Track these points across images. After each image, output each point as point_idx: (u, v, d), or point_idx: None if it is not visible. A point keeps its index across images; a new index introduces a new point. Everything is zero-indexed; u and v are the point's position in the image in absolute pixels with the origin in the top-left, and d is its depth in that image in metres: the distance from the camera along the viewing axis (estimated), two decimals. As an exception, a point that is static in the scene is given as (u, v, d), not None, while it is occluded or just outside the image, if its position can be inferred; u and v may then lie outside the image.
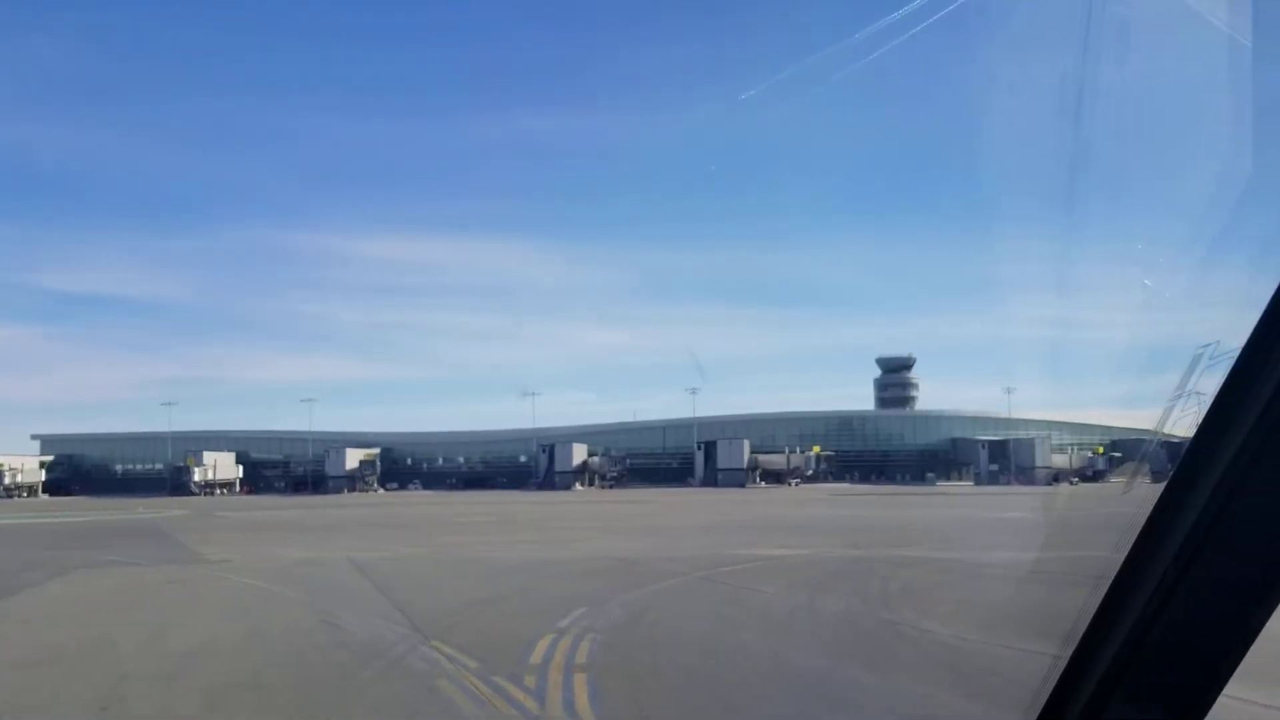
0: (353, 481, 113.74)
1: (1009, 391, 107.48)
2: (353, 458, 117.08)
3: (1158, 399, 2.30)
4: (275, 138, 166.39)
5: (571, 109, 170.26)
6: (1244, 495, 1.94)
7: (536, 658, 11.74)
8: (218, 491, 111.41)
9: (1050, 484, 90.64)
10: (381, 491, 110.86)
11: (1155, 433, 2.54)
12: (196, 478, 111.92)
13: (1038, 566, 17.24)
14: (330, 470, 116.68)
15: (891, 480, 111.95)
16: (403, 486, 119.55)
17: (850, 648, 12.79)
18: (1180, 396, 2.29)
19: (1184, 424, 2.21)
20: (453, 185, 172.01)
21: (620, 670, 11.25)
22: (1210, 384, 2.02)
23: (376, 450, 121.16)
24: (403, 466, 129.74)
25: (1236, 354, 1.94)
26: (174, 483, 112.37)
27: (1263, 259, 2.10)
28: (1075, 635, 2.36)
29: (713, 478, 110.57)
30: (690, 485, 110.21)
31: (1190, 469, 2.05)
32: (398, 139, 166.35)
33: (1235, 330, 1.95)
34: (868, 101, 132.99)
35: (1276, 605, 1.99)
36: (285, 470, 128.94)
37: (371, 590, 19.11)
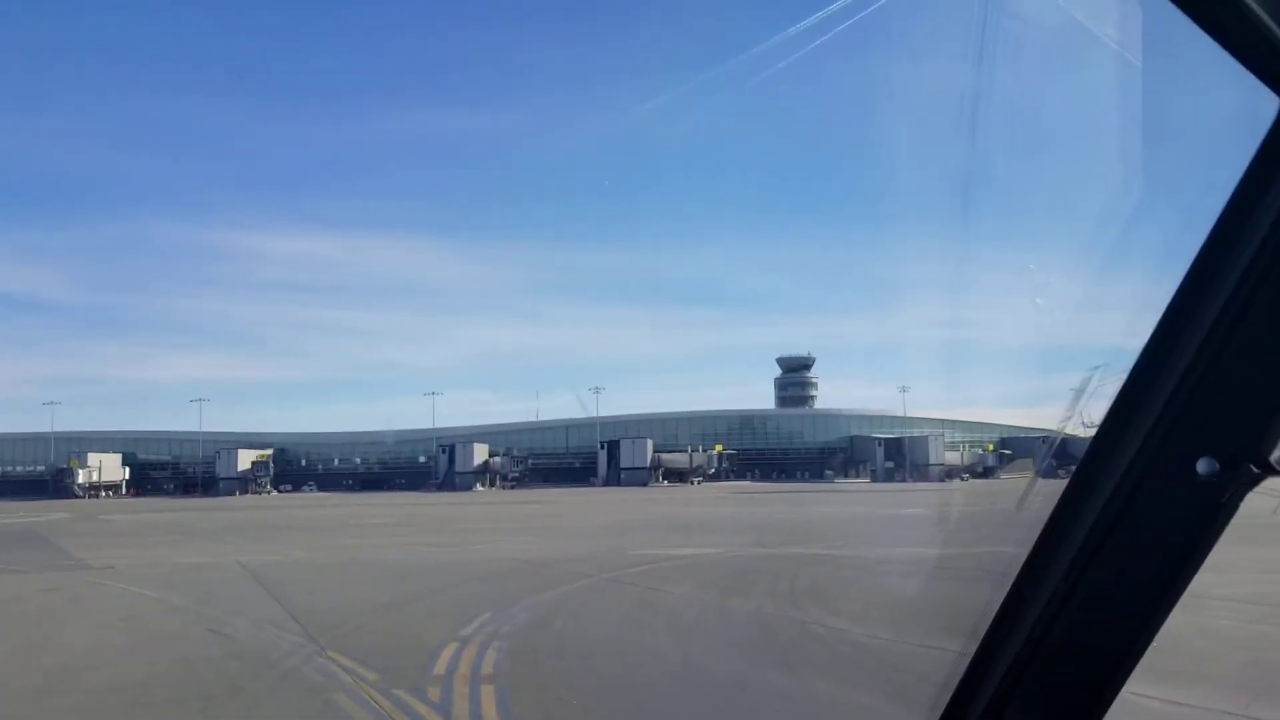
0: (245, 483, 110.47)
1: (904, 390, 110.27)
2: (245, 459, 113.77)
3: (1051, 399, 2.38)
4: (166, 132, 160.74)
5: (474, 110, 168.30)
6: (1143, 494, 1.96)
7: (440, 668, 11.25)
8: (103, 494, 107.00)
9: (943, 480, 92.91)
10: (275, 493, 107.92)
11: (1053, 431, 2.59)
12: (80, 480, 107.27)
13: (941, 563, 17.37)
14: (222, 472, 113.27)
15: (792, 478, 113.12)
16: (297, 488, 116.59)
17: (763, 649, 12.60)
18: (1080, 397, 2.30)
19: (1074, 424, 2.29)
20: (352, 185, 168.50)
21: (529, 680, 10.86)
22: (1111, 387, 2.03)
23: (270, 451, 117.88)
24: (297, 468, 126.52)
25: (1135, 357, 1.96)
26: (56, 485, 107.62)
27: (1157, 268, 2.12)
28: (979, 633, 2.34)
29: (616, 477, 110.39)
30: (593, 485, 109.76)
31: (1091, 468, 2.06)
32: (297, 137, 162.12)
33: (1133, 335, 1.96)
34: (771, 109, 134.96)
35: (1175, 603, 2.01)
36: (175, 472, 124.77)
37: (264, 596, 18.32)
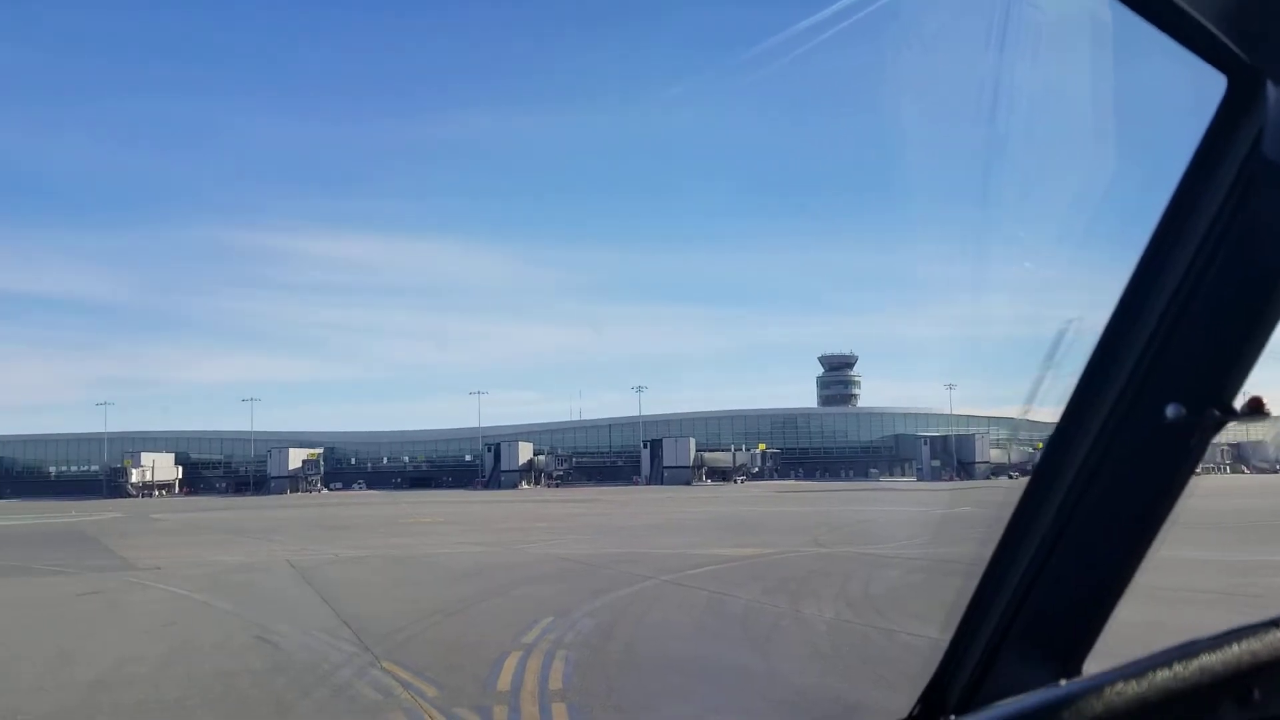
0: (295, 482, 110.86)
1: (950, 388, 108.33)
2: (295, 457, 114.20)
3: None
4: (214, 136, 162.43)
5: (512, 110, 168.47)
6: (1120, 440, 2.10)
7: (504, 682, 10.31)
8: (156, 493, 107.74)
9: (989, 478, 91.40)
10: (325, 491, 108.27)
11: None
12: (134, 479, 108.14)
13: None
14: (272, 470, 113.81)
15: (836, 476, 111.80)
16: (347, 486, 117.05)
17: (854, 661, 11.59)
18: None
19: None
20: (393, 185, 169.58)
21: (604, 699, 9.86)
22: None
23: (320, 450, 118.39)
24: (347, 466, 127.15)
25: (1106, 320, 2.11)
26: (110, 484, 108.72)
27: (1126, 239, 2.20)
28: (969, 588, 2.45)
29: (659, 476, 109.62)
30: (636, 483, 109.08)
31: (1070, 423, 2.19)
32: (338, 138, 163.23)
33: (1104, 301, 2.13)
34: (791, 102, 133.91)
35: (1154, 537, 2.14)
36: (226, 470, 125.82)
37: (314, 599, 17.58)
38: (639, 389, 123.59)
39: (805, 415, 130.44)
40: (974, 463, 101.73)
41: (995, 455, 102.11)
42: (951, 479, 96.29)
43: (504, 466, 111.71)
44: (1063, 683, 1.92)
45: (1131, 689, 1.73)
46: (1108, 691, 1.73)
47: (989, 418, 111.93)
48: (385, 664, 11.42)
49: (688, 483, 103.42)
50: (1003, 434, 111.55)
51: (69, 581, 22.11)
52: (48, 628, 15.66)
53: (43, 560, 27.31)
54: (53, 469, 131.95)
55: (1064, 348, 2.36)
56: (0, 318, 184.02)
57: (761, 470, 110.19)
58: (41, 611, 17.54)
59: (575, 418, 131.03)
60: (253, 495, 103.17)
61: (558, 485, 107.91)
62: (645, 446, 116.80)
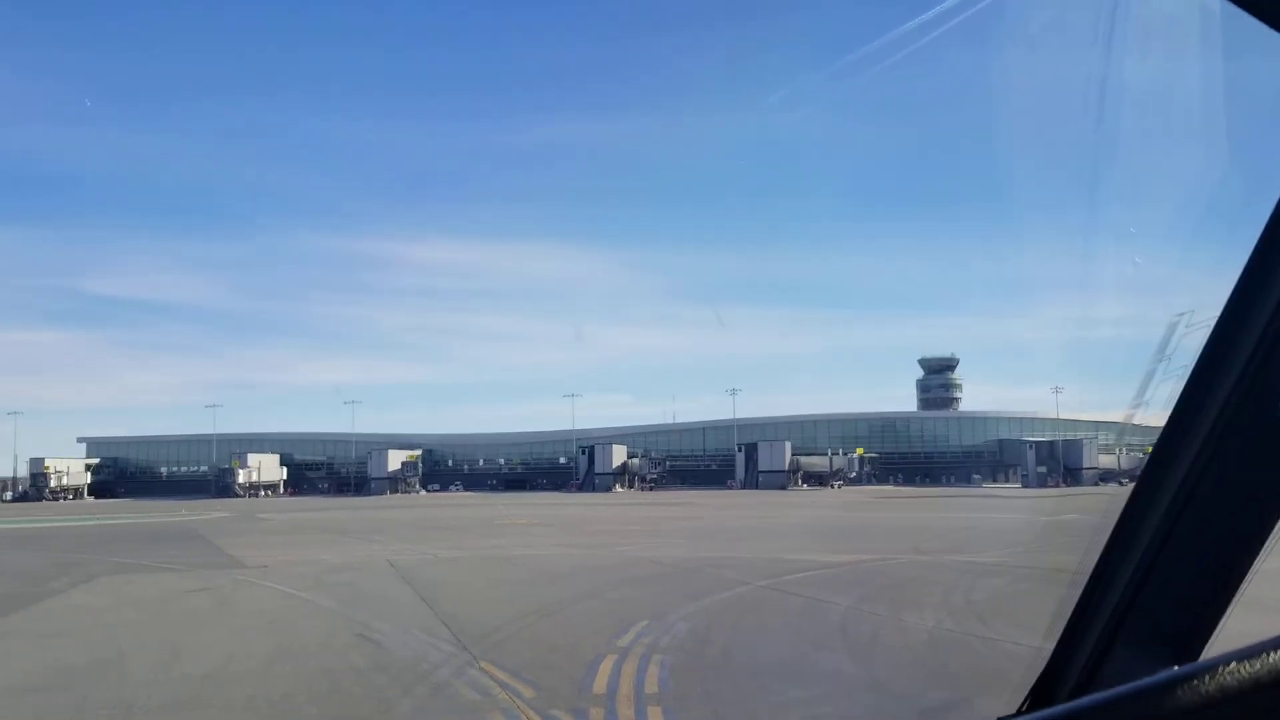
0: (395, 483, 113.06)
1: (1056, 391, 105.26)
2: (395, 459, 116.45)
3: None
4: (315, 142, 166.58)
5: (607, 114, 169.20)
6: (1230, 438, 2.06)
7: (600, 685, 10.34)
8: (262, 493, 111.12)
9: (1097, 484, 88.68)
10: (423, 493, 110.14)
11: None
12: (241, 479, 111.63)
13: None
14: (373, 472, 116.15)
15: (936, 482, 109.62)
16: (444, 488, 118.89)
17: (958, 671, 11.33)
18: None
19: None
20: (489, 189, 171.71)
21: (700, 704, 9.82)
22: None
23: (418, 452, 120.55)
24: (444, 468, 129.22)
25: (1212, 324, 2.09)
26: (219, 485, 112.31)
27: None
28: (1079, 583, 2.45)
29: (753, 480, 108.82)
30: (730, 487, 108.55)
31: (1179, 423, 2.18)
32: (435, 143, 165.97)
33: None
34: (895, 103, 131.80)
35: (1266, 538, 2.07)
36: (328, 471, 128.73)
37: (413, 599, 17.88)
38: (733, 392, 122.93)
39: (905, 419, 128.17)
40: (1082, 468, 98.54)
41: (1105, 460, 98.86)
42: (1058, 485, 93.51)
43: (598, 469, 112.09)
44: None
45: (1245, 670, 1.59)
46: (1221, 671, 1.60)
47: (1097, 422, 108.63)
48: (483, 664, 11.55)
49: (783, 487, 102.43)
50: (1111, 438, 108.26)
51: (180, 579, 22.90)
52: (160, 623, 16.25)
53: (156, 558, 28.32)
54: (164, 469, 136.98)
55: (1173, 347, 2.35)
56: (111, 323, 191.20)
57: (859, 475, 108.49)
58: (154, 608, 18.19)
59: (668, 421, 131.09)
60: (353, 496, 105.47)
61: (651, 488, 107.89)
62: (740, 450, 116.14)
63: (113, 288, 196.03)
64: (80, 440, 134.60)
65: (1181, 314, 2.34)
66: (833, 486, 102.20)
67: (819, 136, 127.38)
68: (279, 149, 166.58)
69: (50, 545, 35.52)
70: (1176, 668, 1.80)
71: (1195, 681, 1.63)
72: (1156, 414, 2.41)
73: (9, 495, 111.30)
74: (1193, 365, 2.14)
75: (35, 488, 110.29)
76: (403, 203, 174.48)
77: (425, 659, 12.11)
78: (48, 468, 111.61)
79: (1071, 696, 2.33)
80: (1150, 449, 2.44)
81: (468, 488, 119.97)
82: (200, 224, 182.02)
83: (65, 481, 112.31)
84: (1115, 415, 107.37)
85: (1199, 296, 2.43)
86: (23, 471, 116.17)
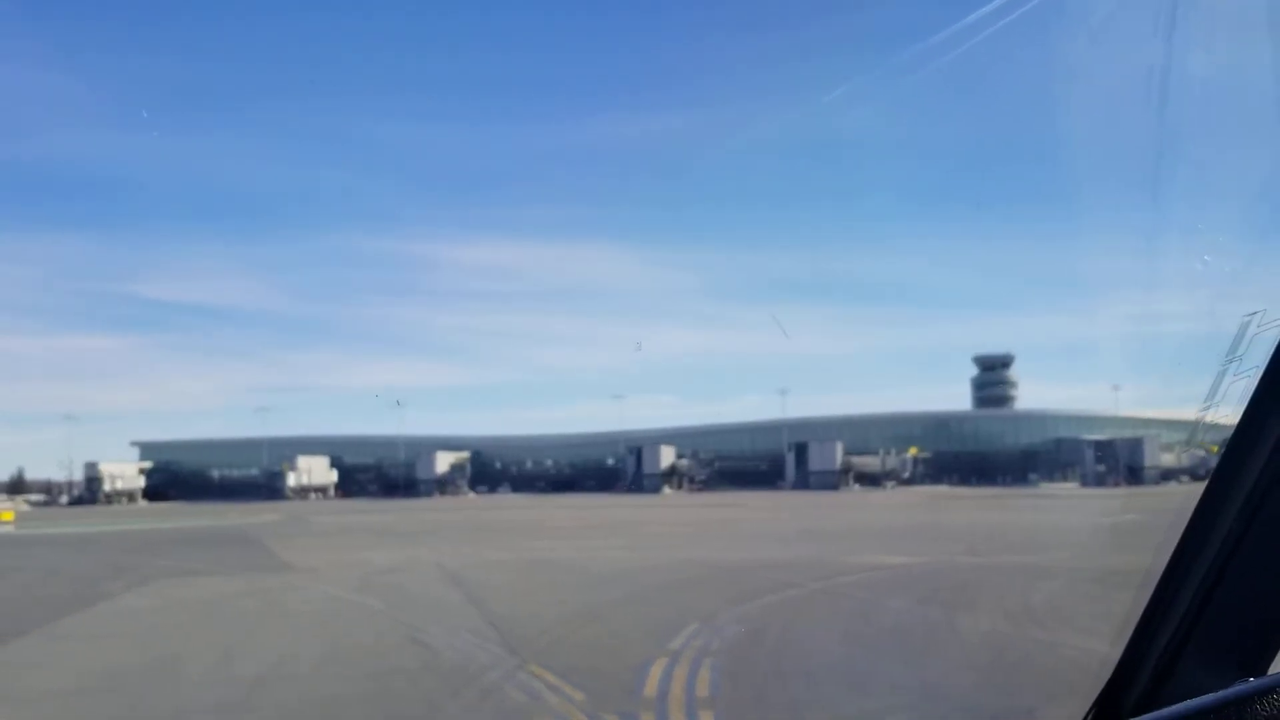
0: (443, 485, 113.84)
1: (1115, 389, 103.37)
2: (443, 461, 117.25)
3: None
4: (364, 144, 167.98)
5: (653, 114, 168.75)
6: None
7: (651, 689, 10.20)
8: (311, 495, 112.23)
9: (1158, 483, 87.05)
10: (472, 495, 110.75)
11: None
12: (291, 482, 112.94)
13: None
14: (421, 474, 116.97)
15: (992, 482, 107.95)
16: (492, 489, 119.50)
17: (1015, 675, 11.05)
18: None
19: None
20: (536, 190, 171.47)
21: (752, 708, 9.65)
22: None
23: (467, 454, 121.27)
24: (492, 470, 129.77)
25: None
26: (269, 488, 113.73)
27: None
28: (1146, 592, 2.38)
29: (804, 480, 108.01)
30: (780, 488, 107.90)
31: (1250, 428, 2.12)
32: (488, 149, 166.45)
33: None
34: (951, 99, 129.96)
35: None
36: (377, 474, 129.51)
37: (463, 601, 17.88)
38: (783, 391, 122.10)
39: (959, 418, 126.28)
40: (1143, 467, 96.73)
41: (1166, 460, 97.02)
42: (1118, 484, 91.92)
43: (646, 470, 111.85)
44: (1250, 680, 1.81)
45: None
46: None
47: (1157, 420, 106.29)
48: (532, 667, 11.47)
49: (834, 488, 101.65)
50: (1177, 436, 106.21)
51: (231, 582, 23.13)
52: (212, 626, 16.37)
53: (208, 561, 28.64)
54: (215, 473, 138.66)
55: (1245, 344, 2.28)
56: (163, 327, 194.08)
57: (912, 475, 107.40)
58: (206, 610, 18.35)
59: (717, 421, 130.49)
60: (402, 498, 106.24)
61: (700, 489, 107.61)
62: (790, 450, 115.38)
63: (166, 292, 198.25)
64: (134, 444, 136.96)
65: (1254, 312, 2.25)
66: (885, 487, 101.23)
67: (872, 135, 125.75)
68: (331, 154, 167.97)
69: (105, 550, 36.13)
70: (1251, 680, 1.80)
71: (1273, 696, 1.63)
72: (1226, 413, 2.35)
73: (65, 499, 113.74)
74: (1266, 364, 2.08)
75: (90, 491, 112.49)
76: (454, 205, 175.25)
77: (474, 661, 12.07)
78: (101, 472, 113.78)
79: (1138, 706, 2.29)
80: (1215, 447, 2.35)
81: (515, 489, 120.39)
82: (251, 227, 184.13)
83: (119, 486, 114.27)
84: (1178, 413, 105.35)
85: (1270, 294, 2.39)
86: (78, 475, 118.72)
